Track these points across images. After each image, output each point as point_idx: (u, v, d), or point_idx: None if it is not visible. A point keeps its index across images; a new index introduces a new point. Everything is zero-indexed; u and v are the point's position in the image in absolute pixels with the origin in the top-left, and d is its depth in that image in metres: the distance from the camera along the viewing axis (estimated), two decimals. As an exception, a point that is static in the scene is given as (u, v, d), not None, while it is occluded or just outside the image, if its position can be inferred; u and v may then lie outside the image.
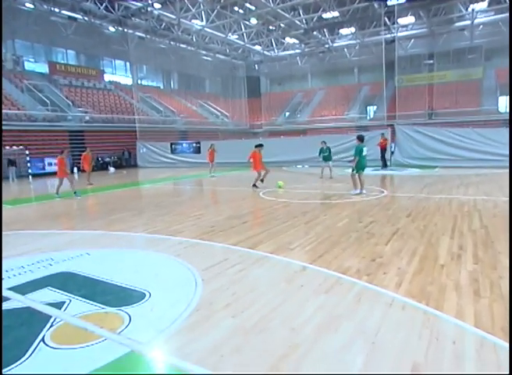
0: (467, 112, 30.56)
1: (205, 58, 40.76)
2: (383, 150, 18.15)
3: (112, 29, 32.66)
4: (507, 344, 2.67)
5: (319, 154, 15.08)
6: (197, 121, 36.55)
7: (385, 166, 18.03)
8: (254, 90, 43.98)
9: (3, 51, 28.36)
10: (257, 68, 46.28)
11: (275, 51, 41.57)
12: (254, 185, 12.20)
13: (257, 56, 43.30)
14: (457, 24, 33.38)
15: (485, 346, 2.66)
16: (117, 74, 37.81)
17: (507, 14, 30.41)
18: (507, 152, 16.71)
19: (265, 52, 41.61)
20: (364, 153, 10.07)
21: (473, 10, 30.86)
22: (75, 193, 11.87)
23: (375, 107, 37.30)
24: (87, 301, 3.58)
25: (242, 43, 38.06)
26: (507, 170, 15.20)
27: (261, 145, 12.49)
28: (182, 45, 37.12)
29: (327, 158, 14.86)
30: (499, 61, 35.34)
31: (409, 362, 2.50)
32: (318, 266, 4.38)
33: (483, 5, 30.30)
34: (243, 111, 40.81)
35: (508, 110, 29.29)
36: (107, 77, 35.91)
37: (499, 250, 4.80)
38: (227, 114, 41.65)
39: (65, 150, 12.28)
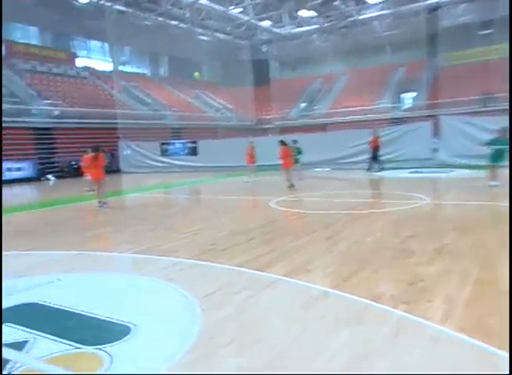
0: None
1: (201, 37, 41.06)
2: (375, 150, 18.77)
3: (82, 0, 32.60)
4: None
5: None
6: (193, 116, 36.77)
7: (375, 168, 18.68)
8: (261, 76, 44.07)
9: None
10: (265, 49, 46.45)
11: (287, 27, 41.74)
12: (291, 185, 13.70)
13: (265, 34, 43.53)
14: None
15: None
16: (93, 58, 38.02)
17: None
18: None
19: (275, 29, 41.82)
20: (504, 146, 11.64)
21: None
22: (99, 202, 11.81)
23: (414, 94, 37.20)
24: (57, 339, 3.56)
25: (246, 18, 38.30)
26: None
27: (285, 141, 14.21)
28: (172, 22, 37.47)
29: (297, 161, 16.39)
30: None
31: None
32: (342, 291, 4.35)
33: None
34: (248, 102, 40.84)
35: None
36: (80, 62, 35.96)
37: None
38: (229, 107, 41.78)
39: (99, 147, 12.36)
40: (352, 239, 6.63)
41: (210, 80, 46.60)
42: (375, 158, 18.92)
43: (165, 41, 38.01)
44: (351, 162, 20.46)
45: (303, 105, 43.49)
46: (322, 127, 34.76)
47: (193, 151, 26.02)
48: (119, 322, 3.83)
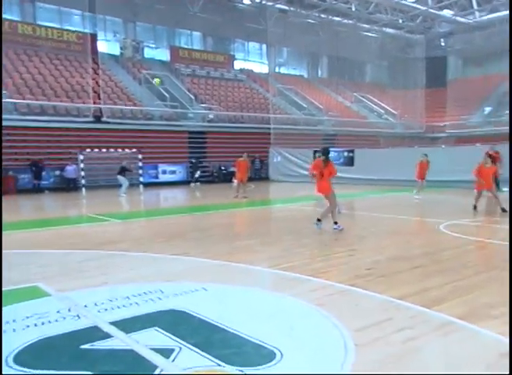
0: None
1: (368, 34, 40.74)
2: None
3: (247, 1, 35.41)
4: None
5: None
6: (351, 121, 36.74)
7: None
8: (436, 76, 42.02)
9: (122, 37, 33.19)
10: (443, 44, 44.08)
11: (476, 14, 38.71)
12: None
13: (445, 26, 41.32)
14: None
15: None
16: (250, 60, 40.62)
17: None
18: None
19: (458, 19, 39.11)
20: None
21: None
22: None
23: None
24: (201, 352, 3.75)
25: (423, 8, 36.64)
26: None
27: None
28: (336, 18, 37.91)
29: None
30: None
31: None
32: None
33: None
34: (417, 107, 39.43)
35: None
36: (237, 64, 38.88)
37: None
38: (394, 112, 40.78)
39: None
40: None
41: (374, 81, 46.04)
42: None
43: (326, 40, 38.81)
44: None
45: (487, 109, 40.26)
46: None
47: (350, 161, 25.80)
48: (264, 344, 3.90)
